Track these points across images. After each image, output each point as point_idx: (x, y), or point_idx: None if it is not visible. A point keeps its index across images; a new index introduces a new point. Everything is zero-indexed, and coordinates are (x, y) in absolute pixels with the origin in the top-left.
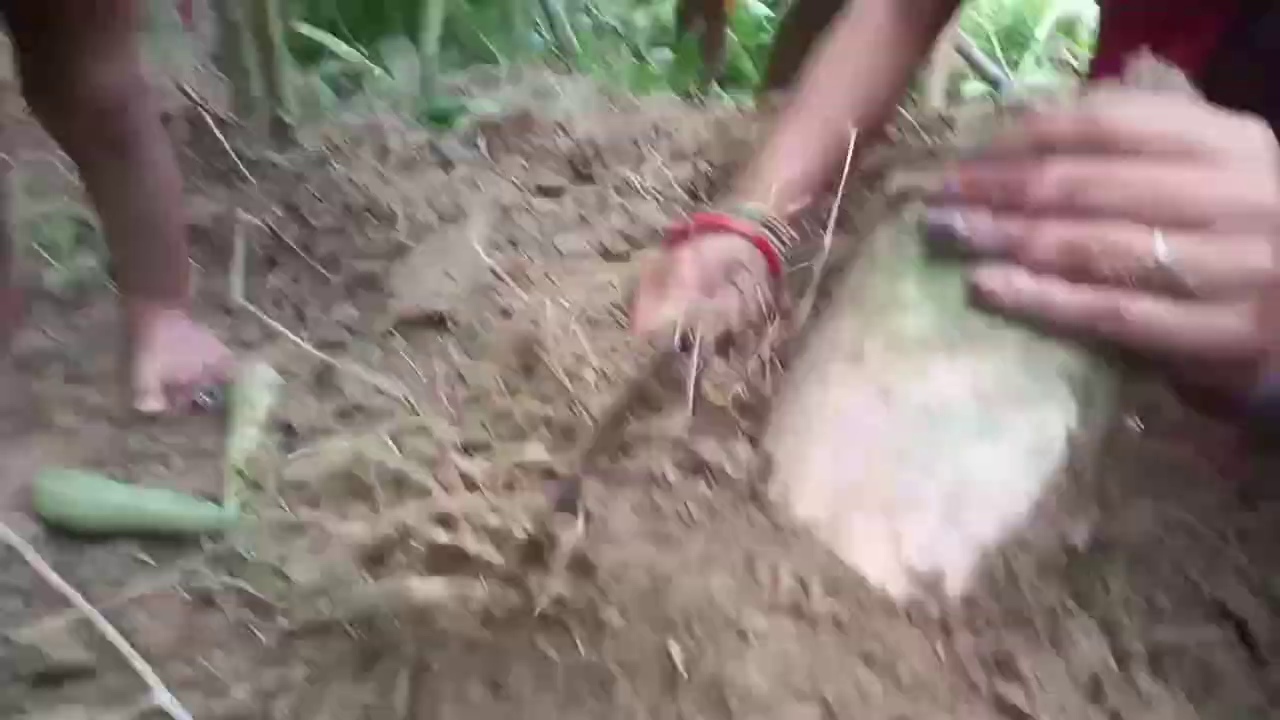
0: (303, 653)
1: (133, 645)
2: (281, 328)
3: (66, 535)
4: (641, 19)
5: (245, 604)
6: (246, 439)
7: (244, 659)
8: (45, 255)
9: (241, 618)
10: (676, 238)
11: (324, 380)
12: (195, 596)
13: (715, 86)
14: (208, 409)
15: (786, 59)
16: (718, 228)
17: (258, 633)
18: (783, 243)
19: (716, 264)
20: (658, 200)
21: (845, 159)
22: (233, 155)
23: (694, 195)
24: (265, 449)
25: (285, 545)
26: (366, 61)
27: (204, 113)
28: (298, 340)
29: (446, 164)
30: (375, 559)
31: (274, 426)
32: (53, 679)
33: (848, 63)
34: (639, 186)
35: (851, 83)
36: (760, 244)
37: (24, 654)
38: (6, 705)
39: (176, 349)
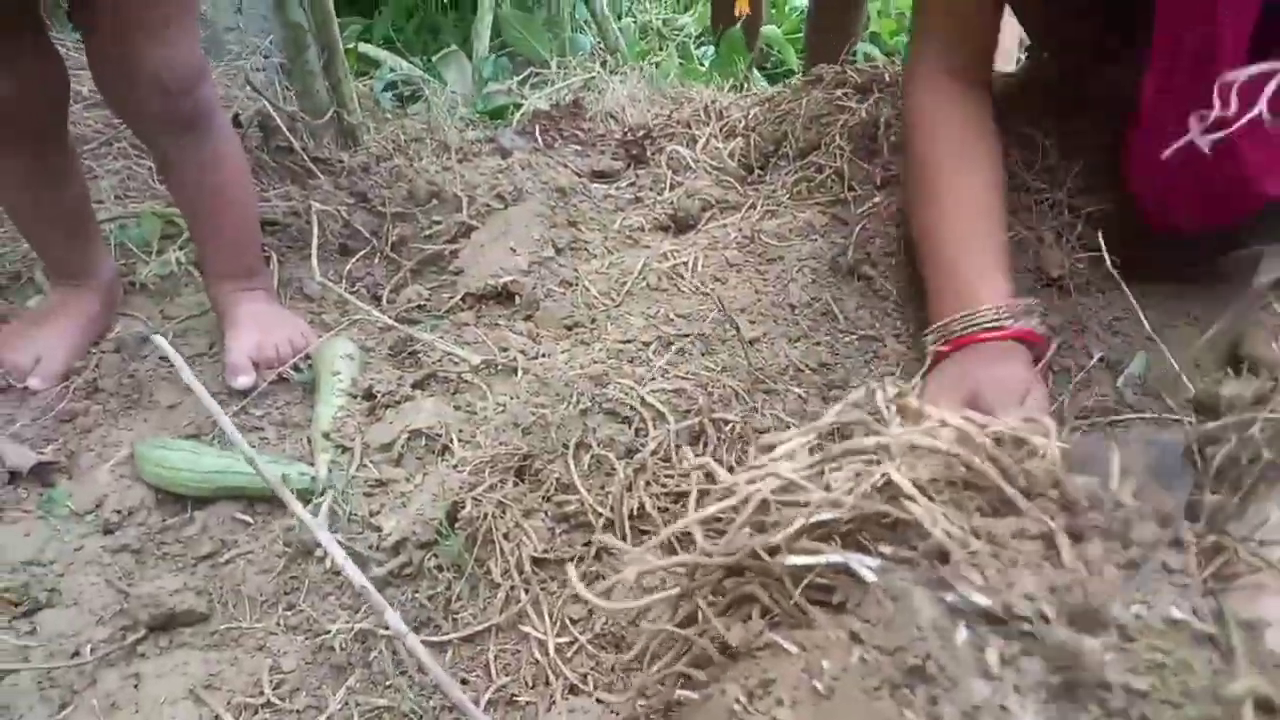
0: (393, 597)
1: (239, 594)
2: (360, 303)
3: (173, 498)
4: (685, 19)
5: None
6: (333, 406)
7: (339, 604)
8: (136, 252)
9: (335, 567)
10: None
11: (400, 352)
12: (294, 550)
13: (758, 74)
14: (295, 382)
15: (818, 43)
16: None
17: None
18: (1043, 319)
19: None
20: (712, 173)
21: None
22: (302, 154)
23: (748, 168)
24: (350, 415)
25: (373, 501)
26: (423, 74)
27: (274, 111)
28: (377, 313)
29: (504, 153)
30: (455, 512)
31: (357, 394)
32: (168, 626)
33: (956, 140)
34: (692, 162)
35: (971, 157)
36: (1024, 336)
37: (141, 603)
38: (127, 649)
39: (263, 326)
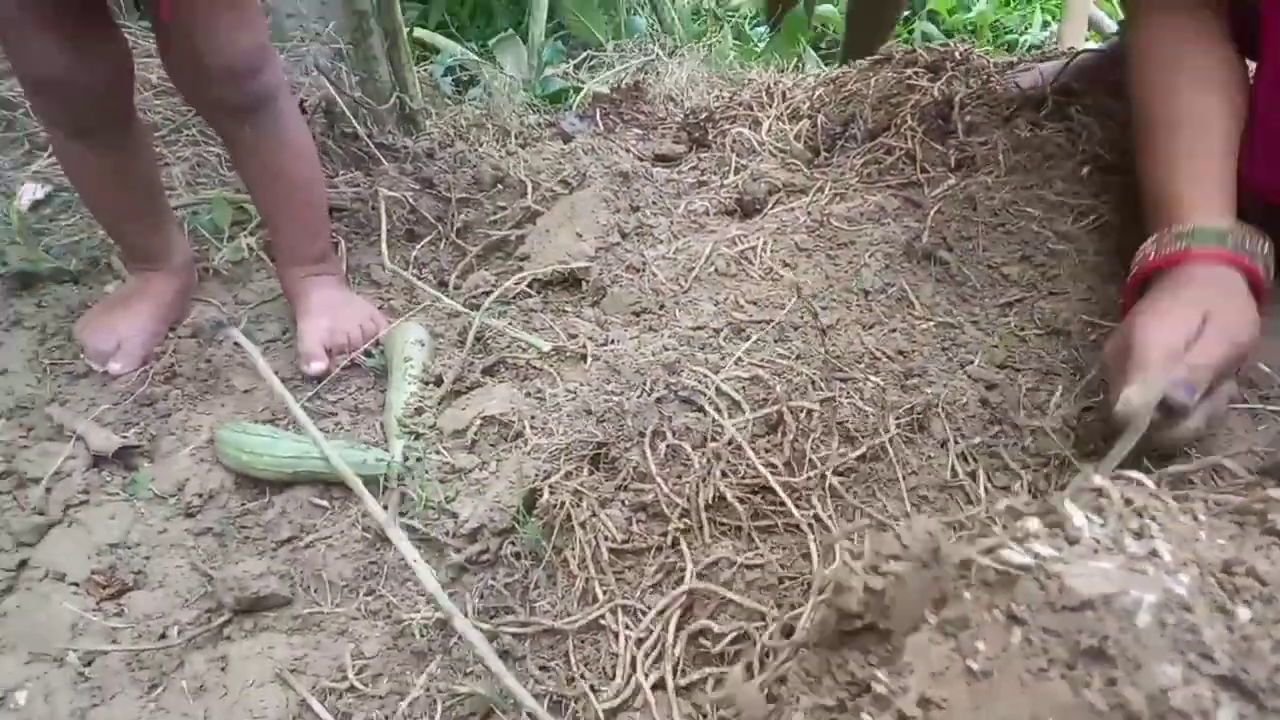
0: (470, 583)
1: (320, 578)
2: (429, 289)
3: (251, 482)
4: (739, 0)
5: (416, 541)
6: (405, 393)
7: (418, 591)
8: (209, 238)
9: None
10: (1136, 281)
11: (469, 338)
12: (372, 535)
13: (813, 54)
14: (366, 368)
15: (859, 22)
16: (1183, 259)
17: (433, 566)
18: (1261, 250)
19: (1182, 320)
20: (777, 156)
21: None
22: (366, 140)
23: (814, 150)
24: (423, 401)
25: (449, 488)
26: (479, 59)
27: (338, 97)
28: (445, 299)
29: (565, 137)
30: (532, 499)
31: (429, 380)
32: (252, 610)
33: (1189, 68)
34: (756, 145)
35: (1207, 85)
36: (1235, 261)
37: (226, 586)
38: (214, 632)
39: (334, 313)
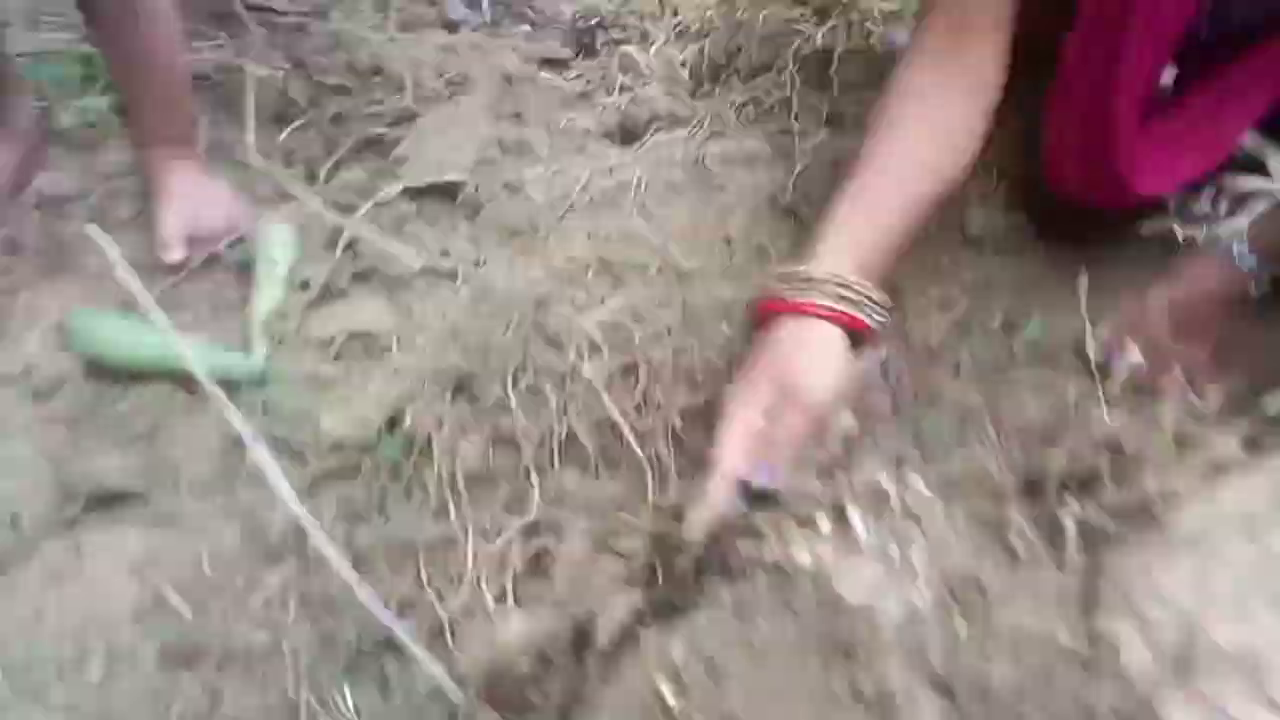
0: (328, 493)
1: (176, 475)
2: (299, 188)
3: (104, 371)
4: None
5: (276, 448)
6: (270, 296)
7: (266, 500)
8: (54, 95)
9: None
10: (759, 322)
11: (339, 241)
12: (232, 436)
13: None
14: (228, 262)
15: None
16: (797, 312)
17: (292, 479)
18: (875, 305)
19: (763, 391)
20: (663, 82)
21: (921, 219)
22: None
23: (698, 80)
24: (288, 305)
25: (311, 397)
26: None
27: None
28: (316, 204)
29: (450, 26)
30: (394, 419)
31: (295, 284)
32: (105, 502)
33: (913, 120)
34: (643, 66)
35: (920, 140)
36: (841, 320)
37: (79, 477)
38: (64, 523)
39: (196, 200)
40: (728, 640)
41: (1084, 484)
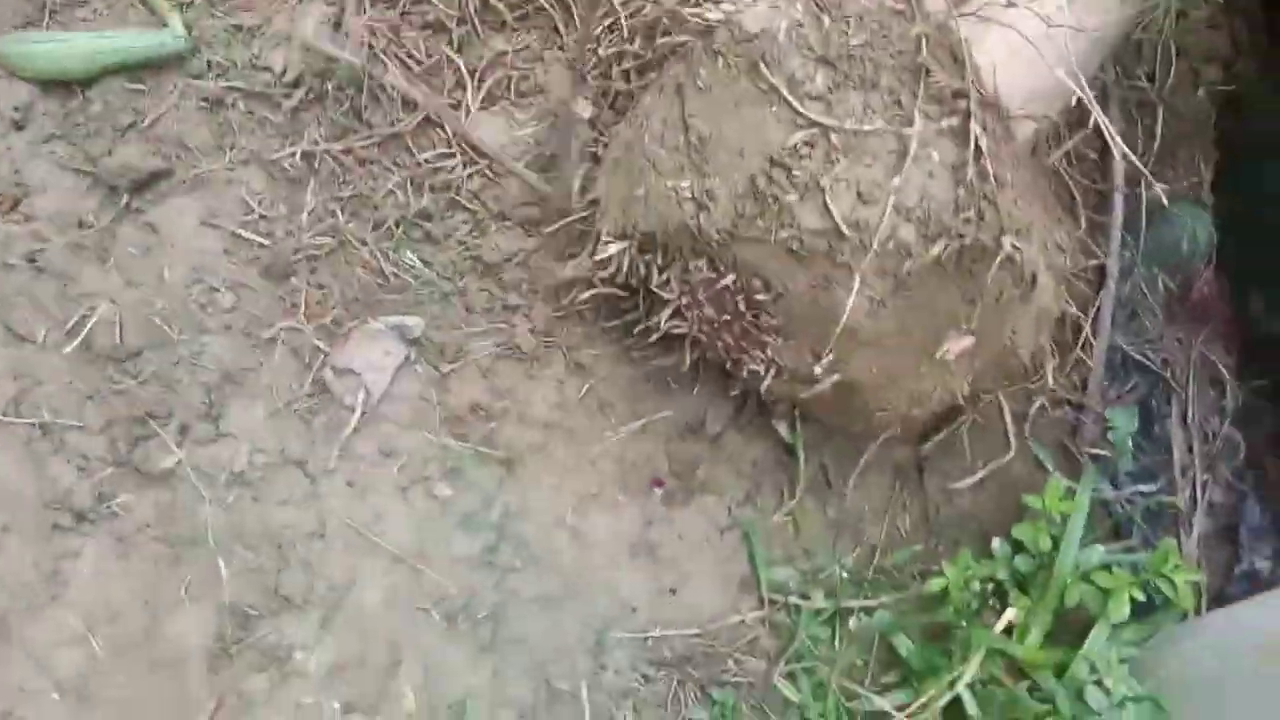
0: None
1: (184, 145)
2: None
3: (56, 86)
4: None
5: (244, 98)
6: None
7: (276, 133)
8: None
9: (250, 108)
10: None
11: None
12: (210, 99)
13: None
14: None
15: None
16: None
17: (270, 115)
18: None
19: None
20: None
21: None
22: None
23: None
24: None
25: (246, 47)
26: None
27: None
28: None
29: None
30: (335, 40)
31: None
32: (142, 186)
33: None
34: None
35: None
36: None
37: (115, 173)
38: (124, 210)
39: None
40: (685, 83)
41: None
